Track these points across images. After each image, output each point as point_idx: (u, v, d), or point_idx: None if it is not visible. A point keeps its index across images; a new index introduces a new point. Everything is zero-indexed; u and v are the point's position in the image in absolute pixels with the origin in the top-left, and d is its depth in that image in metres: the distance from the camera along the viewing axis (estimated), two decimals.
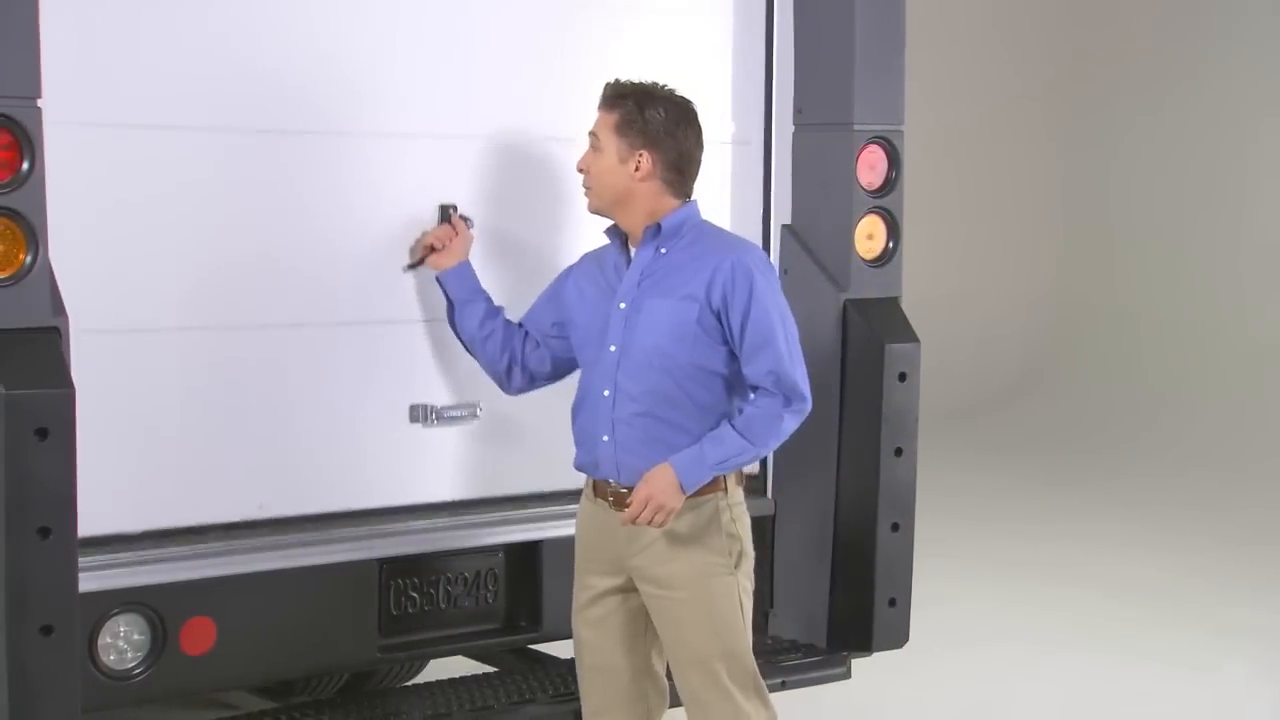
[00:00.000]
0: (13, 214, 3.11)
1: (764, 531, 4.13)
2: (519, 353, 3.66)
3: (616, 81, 3.46)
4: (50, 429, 3.08)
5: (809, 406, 3.40)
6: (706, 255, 3.40)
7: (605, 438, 3.42)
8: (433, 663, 4.42)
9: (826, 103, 4.11)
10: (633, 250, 3.48)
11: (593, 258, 3.60)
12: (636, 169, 3.40)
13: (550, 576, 3.85)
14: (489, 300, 3.71)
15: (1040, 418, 10.89)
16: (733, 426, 3.37)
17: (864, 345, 4.06)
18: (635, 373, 3.39)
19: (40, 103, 3.12)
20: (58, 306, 3.18)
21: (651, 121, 3.39)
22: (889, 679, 4.91)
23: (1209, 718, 5.59)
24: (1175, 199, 11.25)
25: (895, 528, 4.09)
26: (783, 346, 3.37)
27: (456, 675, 3.89)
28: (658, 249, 3.44)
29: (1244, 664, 6.09)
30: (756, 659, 3.51)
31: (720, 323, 3.37)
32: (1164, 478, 9.47)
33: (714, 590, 3.40)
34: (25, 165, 3.11)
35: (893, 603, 4.10)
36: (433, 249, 3.71)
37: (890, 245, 4.15)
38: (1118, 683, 5.81)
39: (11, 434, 3.04)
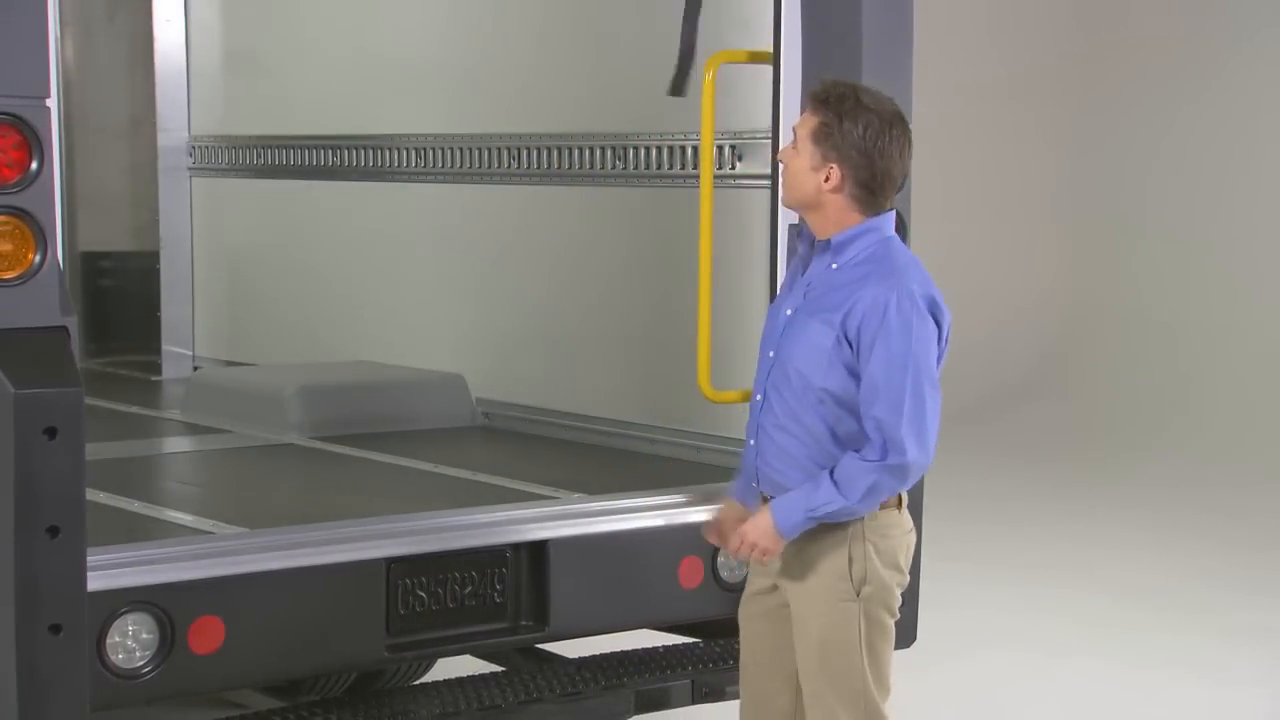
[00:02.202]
0: (22, 213, 3.12)
1: None
2: None
3: (827, 82, 3.34)
4: (59, 428, 3.08)
5: (909, 465, 3.19)
6: (861, 281, 3.25)
7: (752, 441, 3.44)
8: (440, 662, 4.42)
9: None
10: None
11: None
12: (826, 179, 3.29)
13: (558, 576, 3.85)
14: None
15: (1048, 420, 10.87)
16: (830, 474, 3.24)
17: None
18: (781, 385, 3.35)
19: (49, 102, 3.13)
20: (66, 306, 3.18)
21: (848, 136, 3.23)
22: (898, 680, 4.91)
23: (1216, 719, 5.58)
24: (1183, 198, 11.23)
25: None
26: (895, 393, 3.18)
27: (464, 674, 3.90)
28: (830, 263, 3.35)
29: (1252, 666, 6.08)
30: None
31: (855, 354, 3.24)
32: (1173, 480, 9.45)
33: (830, 614, 3.33)
34: (34, 165, 3.11)
35: None
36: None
37: None
38: (1126, 685, 5.81)
39: (21, 433, 3.05)
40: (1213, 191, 11.09)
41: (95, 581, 3.20)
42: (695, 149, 4.47)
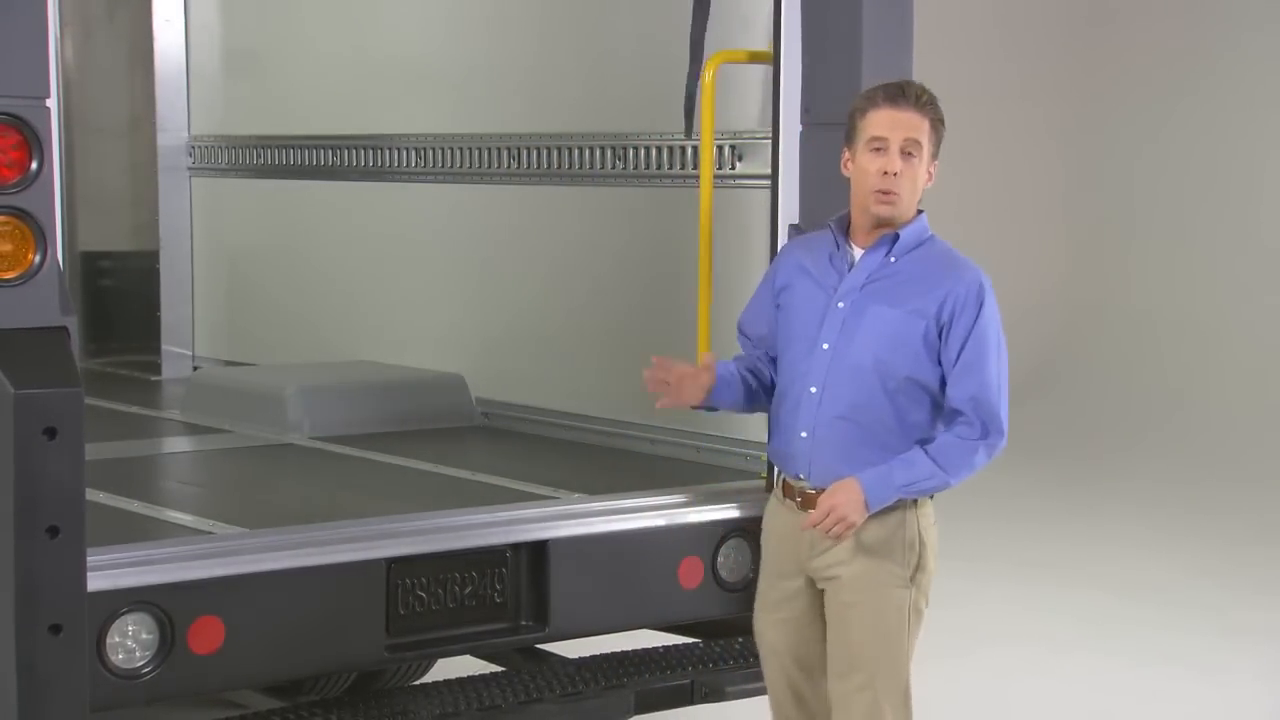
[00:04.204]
0: (21, 214, 3.12)
1: None
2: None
3: (903, 83, 3.40)
4: (59, 428, 3.08)
5: (1004, 443, 3.34)
6: (941, 271, 3.38)
7: (804, 434, 3.42)
8: (440, 662, 4.42)
9: (834, 102, 4.10)
10: (854, 249, 3.44)
11: (802, 246, 3.56)
12: (930, 178, 3.40)
13: (558, 576, 3.85)
14: (745, 383, 3.58)
15: (1049, 418, 10.87)
16: (925, 451, 3.33)
17: None
18: (846, 376, 3.37)
19: (48, 102, 3.13)
20: (66, 306, 3.18)
21: (941, 131, 3.40)
22: None
23: (1215, 718, 5.59)
24: (1182, 198, 11.23)
25: None
26: (992, 375, 3.33)
27: (464, 675, 3.90)
28: (886, 256, 3.40)
29: (1253, 664, 6.08)
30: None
31: (940, 339, 3.34)
32: (1173, 478, 9.45)
33: (886, 600, 3.40)
34: (34, 165, 3.11)
35: None
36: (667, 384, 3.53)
37: None
38: (1126, 683, 5.81)
39: (21, 433, 3.05)
40: (1210, 191, 11.09)
41: (95, 581, 3.20)
42: (695, 149, 4.47)
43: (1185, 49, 11.17)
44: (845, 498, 3.30)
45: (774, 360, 3.59)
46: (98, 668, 3.27)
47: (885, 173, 3.34)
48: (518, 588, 3.85)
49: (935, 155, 3.38)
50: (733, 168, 4.43)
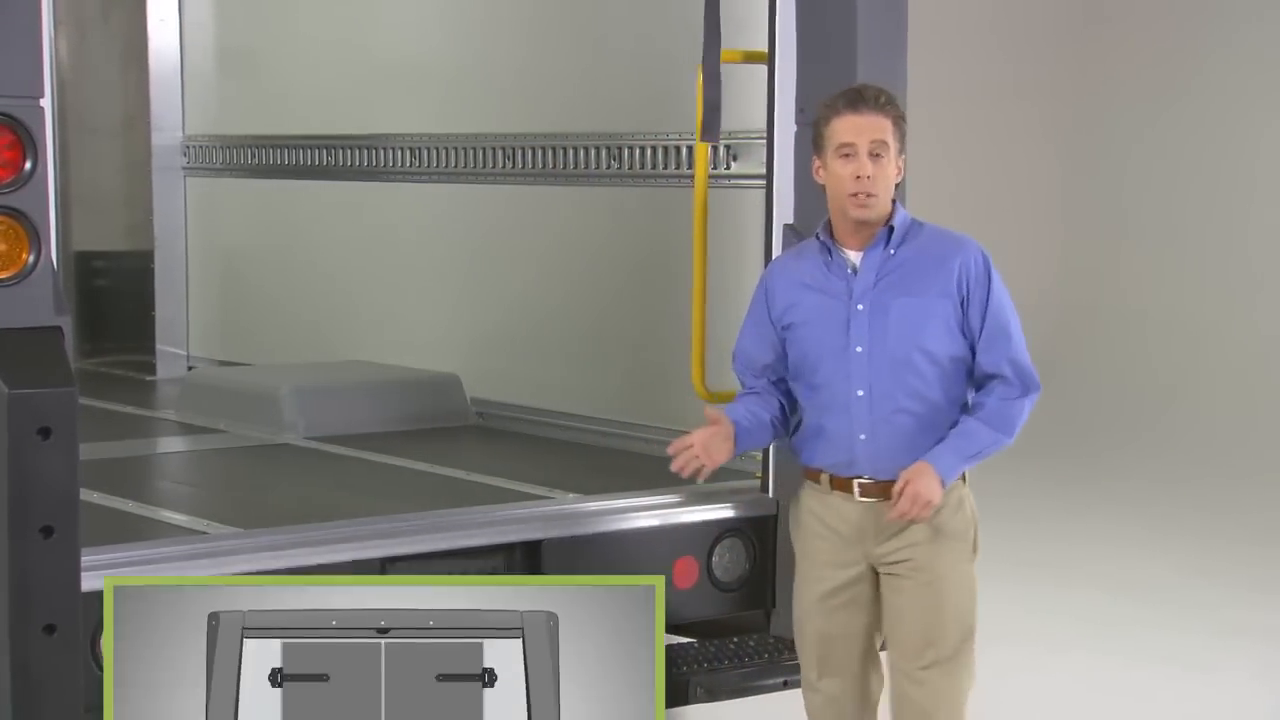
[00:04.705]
0: (15, 214, 3.12)
1: (765, 530, 4.13)
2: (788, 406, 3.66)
3: (859, 86, 3.49)
4: (53, 428, 3.08)
5: (1040, 393, 3.53)
6: (941, 250, 3.48)
7: (863, 436, 3.48)
8: None
9: None
10: (847, 252, 3.50)
11: (789, 265, 3.61)
12: (898, 173, 3.48)
13: (553, 576, 3.84)
14: (759, 418, 3.60)
15: (1044, 418, 10.84)
16: (978, 420, 3.47)
17: None
18: (891, 372, 3.45)
19: (43, 102, 3.13)
20: (60, 306, 3.18)
21: (905, 123, 3.49)
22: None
23: (1206, 716, 5.59)
24: (1176, 197, 11.23)
25: None
26: (1017, 334, 3.50)
27: None
28: (887, 251, 3.48)
29: (1246, 664, 6.08)
30: (759, 657, 3.53)
31: (963, 313, 3.47)
32: (1167, 477, 9.46)
33: (958, 576, 3.56)
34: (28, 165, 3.11)
35: None
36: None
37: None
38: (1121, 682, 5.81)
39: (15, 433, 3.05)
40: (1204, 190, 11.09)
41: (89, 581, 3.20)
42: (690, 149, 4.47)
43: (1177, 48, 11.18)
44: (923, 480, 3.40)
45: (777, 384, 3.62)
46: (92, 668, 3.27)
47: (858, 176, 3.42)
48: None
49: (901, 150, 3.47)
50: (728, 167, 4.43)
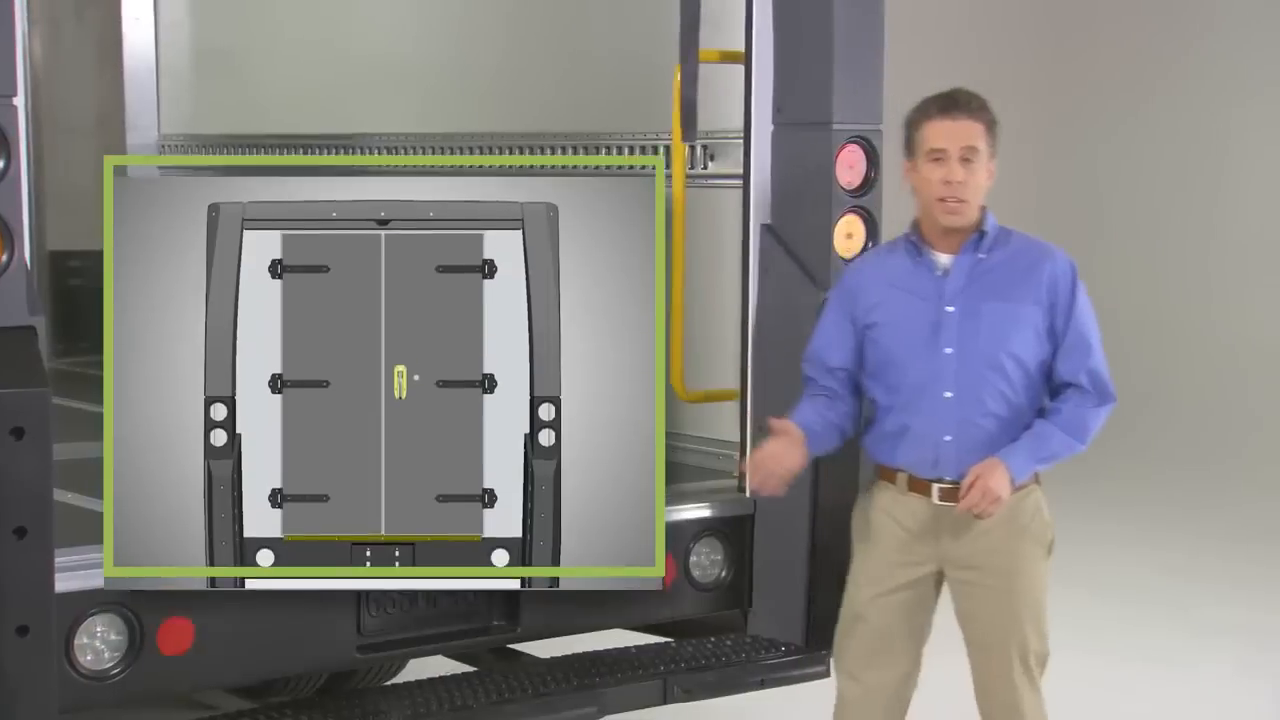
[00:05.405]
0: None
1: (743, 531, 4.13)
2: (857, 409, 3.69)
3: (962, 89, 3.52)
4: (27, 428, 3.06)
5: (1116, 404, 3.58)
6: (1031, 258, 3.56)
7: (948, 438, 3.52)
8: (412, 662, 4.41)
9: (805, 102, 4.11)
10: (934, 254, 3.54)
11: (875, 260, 3.66)
12: (989, 177, 3.52)
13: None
14: (827, 421, 3.62)
15: None
16: (1053, 423, 3.52)
17: None
18: (980, 375, 3.50)
19: (16, 100, 3.11)
20: (34, 306, 3.16)
21: (998, 126, 3.53)
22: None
23: (1187, 714, 5.62)
24: (1150, 199, 11.28)
25: None
26: (1098, 345, 3.57)
27: (436, 675, 3.88)
28: (976, 255, 3.53)
29: (1221, 661, 6.11)
30: (735, 656, 3.53)
31: (1049, 321, 3.52)
32: (1143, 476, 9.50)
33: (1032, 577, 3.58)
34: (2, 164, 3.10)
35: None
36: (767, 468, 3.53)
37: (869, 244, 4.14)
38: (1097, 680, 5.83)
39: None
40: (1178, 192, 11.14)
41: (63, 583, 3.18)
42: (668, 149, 4.47)
43: (1156, 51, 11.22)
44: (993, 476, 3.43)
45: (849, 385, 3.64)
46: (66, 669, 3.26)
47: (948, 182, 3.46)
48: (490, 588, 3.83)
49: (993, 155, 3.52)
50: (704, 167, 4.43)
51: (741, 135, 4.17)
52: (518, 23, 5.18)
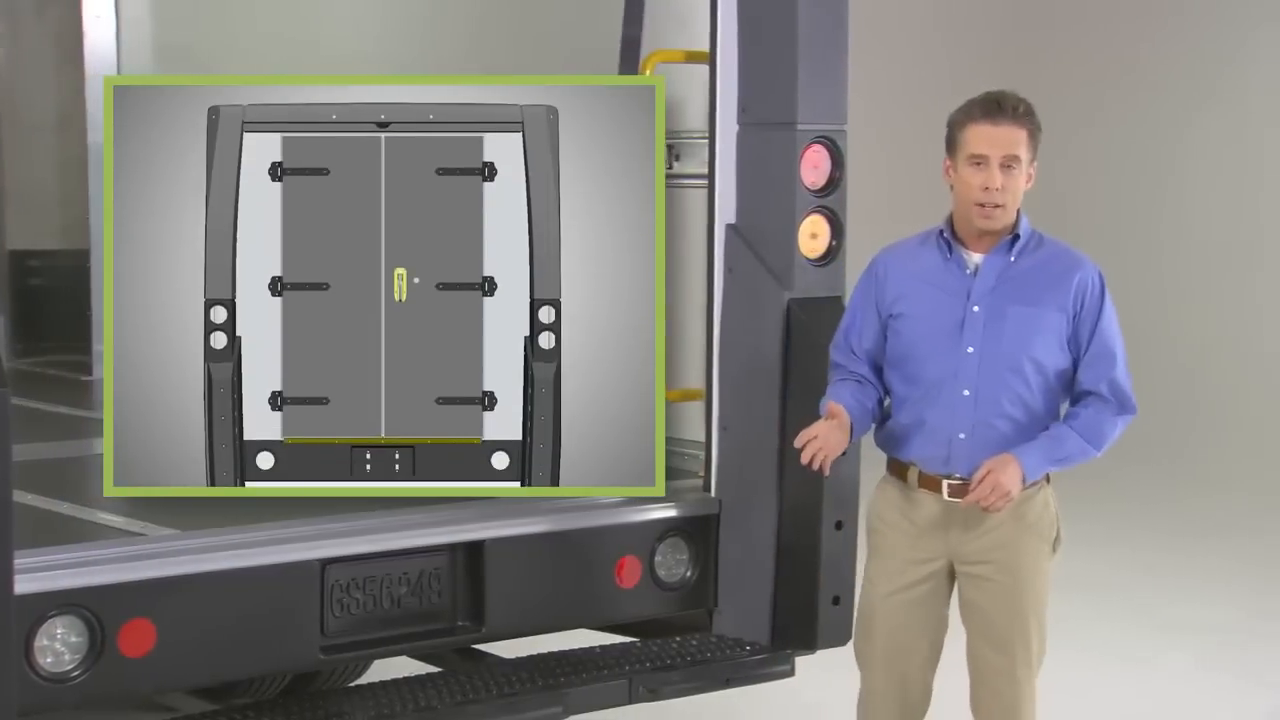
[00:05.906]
0: None
1: (708, 530, 4.13)
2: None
3: (997, 93, 3.53)
4: None
5: (1135, 415, 3.60)
6: (1062, 265, 3.56)
7: (963, 435, 3.53)
8: (376, 663, 4.39)
9: (770, 102, 4.11)
10: (966, 253, 3.54)
11: (904, 256, 3.64)
12: (1029, 181, 3.53)
13: (495, 576, 3.83)
14: (864, 406, 3.62)
15: None
16: (1069, 427, 3.54)
17: (808, 342, 4.07)
18: (1000, 376, 3.50)
19: None
20: None
21: (1040, 133, 3.51)
22: (835, 676, 4.93)
23: (1149, 710, 5.65)
24: (1109, 201, 11.34)
25: (839, 525, 4.09)
26: (1120, 357, 3.59)
27: (401, 676, 3.87)
28: (1008, 258, 3.53)
29: (1184, 658, 6.16)
30: (701, 656, 3.53)
31: (1073, 329, 3.53)
32: (1108, 475, 9.53)
33: (1036, 574, 3.63)
34: None
35: (836, 600, 4.11)
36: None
37: (834, 244, 4.16)
38: (1060, 676, 5.84)
39: None
40: (1139, 196, 11.20)
41: (23, 584, 3.16)
42: None
43: (1115, 55, 11.28)
44: (1007, 474, 3.45)
45: (875, 370, 3.66)
46: (26, 672, 3.23)
47: (987, 188, 3.46)
48: (454, 588, 3.83)
49: (1034, 159, 3.53)
50: (670, 167, 4.42)
51: (706, 135, 4.17)
52: (482, 19, 5.17)
